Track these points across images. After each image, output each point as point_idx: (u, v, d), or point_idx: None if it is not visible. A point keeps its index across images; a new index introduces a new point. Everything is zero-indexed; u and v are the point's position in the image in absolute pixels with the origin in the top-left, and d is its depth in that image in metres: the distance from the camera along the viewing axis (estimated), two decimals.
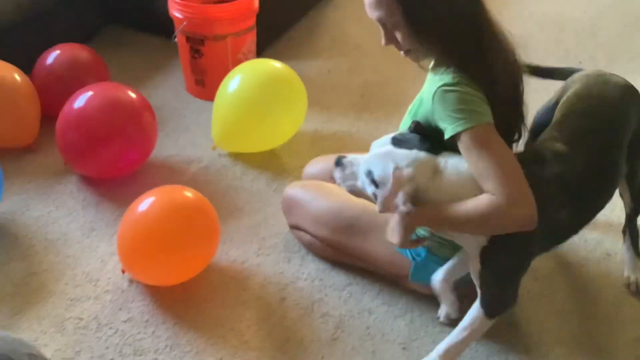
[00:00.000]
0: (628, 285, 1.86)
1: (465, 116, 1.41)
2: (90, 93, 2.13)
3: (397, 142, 1.48)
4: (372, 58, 2.96)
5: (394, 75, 2.80)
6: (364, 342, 1.72)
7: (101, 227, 2.05)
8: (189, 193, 1.83)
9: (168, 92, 2.71)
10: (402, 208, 1.42)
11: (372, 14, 1.52)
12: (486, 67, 1.47)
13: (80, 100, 2.11)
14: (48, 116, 2.36)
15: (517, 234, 1.42)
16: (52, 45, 2.61)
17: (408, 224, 1.46)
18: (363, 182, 1.51)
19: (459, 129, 1.41)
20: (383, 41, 1.55)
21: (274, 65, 2.32)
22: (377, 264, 1.83)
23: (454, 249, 1.66)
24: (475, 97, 1.42)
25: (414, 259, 1.73)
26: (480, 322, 1.55)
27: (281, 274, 1.91)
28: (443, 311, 1.74)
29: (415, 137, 1.48)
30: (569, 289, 1.88)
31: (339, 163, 1.57)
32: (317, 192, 1.93)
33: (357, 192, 1.56)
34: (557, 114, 1.60)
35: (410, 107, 1.64)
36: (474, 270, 1.53)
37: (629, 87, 1.64)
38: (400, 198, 1.41)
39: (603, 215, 1.78)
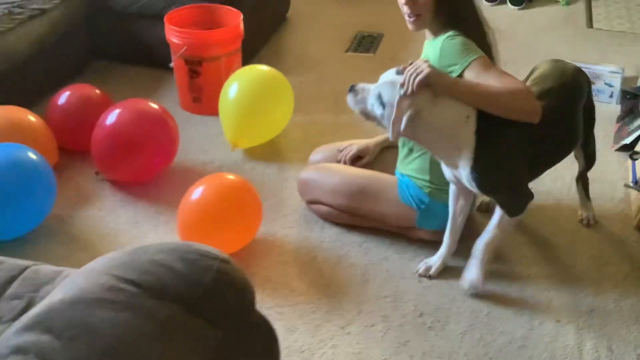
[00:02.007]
0: (581, 221, 2.38)
1: (470, 52, 1.91)
2: (118, 110, 2.46)
3: (401, 72, 1.90)
4: (333, 70, 3.43)
5: (356, 82, 3.27)
6: (388, 280, 2.14)
7: (144, 220, 2.38)
8: (232, 176, 2.22)
9: None
10: (403, 125, 1.84)
11: None
12: (477, 31, 2.00)
13: (112, 116, 2.44)
14: (62, 147, 2.64)
15: (500, 147, 1.89)
16: (49, 79, 2.92)
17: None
18: (372, 105, 1.91)
19: (469, 60, 1.90)
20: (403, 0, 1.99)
21: (260, 68, 2.80)
22: (386, 220, 2.26)
23: None
24: (472, 42, 1.94)
25: (418, 207, 2.18)
26: (506, 222, 1.98)
27: (307, 240, 2.30)
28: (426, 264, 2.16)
29: None
30: (536, 227, 2.38)
31: (352, 89, 1.96)
32: (329, 171, 2.36)
33: (366, 114, 1.95)
34: (529, 80, 2.12)
35: None
36: (475, 190, 1.94)
37: (580, 69, 2.20)
38: (404, 121, 1.84)
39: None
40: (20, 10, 2.81)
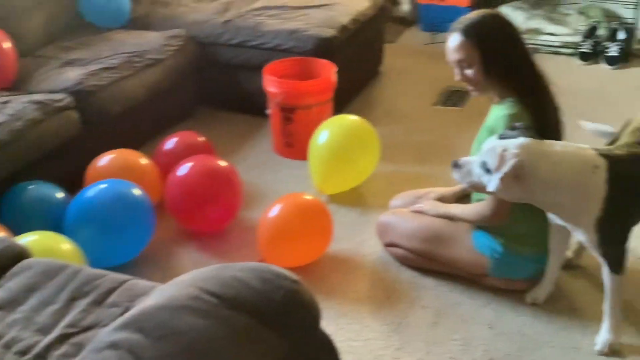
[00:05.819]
0: None
1: None
2: (190, 164, 2.62)
3: (502, 137, 1.92)
4: (421, 123, 3.55)
5: (442, 135, 3.38)
6: (459, 324, 2.19)
7: (227, 255, 2.57)
8: (308, 197, 2.50)
9: (260, 155, 3.28)
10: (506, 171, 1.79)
11: (453, 55, 2.13)
12: (538, 98, 2.06)
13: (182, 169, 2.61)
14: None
15: (628, 195, 1.88)
16: (160, 122, 3.23)
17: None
18: (479, 176, 1.91)
19: None
20: (457, 77, 2.17)
21: (350, 117, 2.96)
22: (460, 266, 2.33)
23: (529, 245, 2.18)
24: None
25: (491, 256, 2.23)
26: (618, 283, 1.95)
27: (383, 280, 2.40)
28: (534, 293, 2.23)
29: (516, 133, 1.90)
30: None
31: (456, 165, 1.99)
32: (406, 216, 2.46)
33: (476, 186, 1.97)
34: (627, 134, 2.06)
35: (477, 138, 2.21)
36: (590, 242, 1.93)
37: None
38: (505, 168, 1.80)
39: None
40: (139, 59, 3.14)
